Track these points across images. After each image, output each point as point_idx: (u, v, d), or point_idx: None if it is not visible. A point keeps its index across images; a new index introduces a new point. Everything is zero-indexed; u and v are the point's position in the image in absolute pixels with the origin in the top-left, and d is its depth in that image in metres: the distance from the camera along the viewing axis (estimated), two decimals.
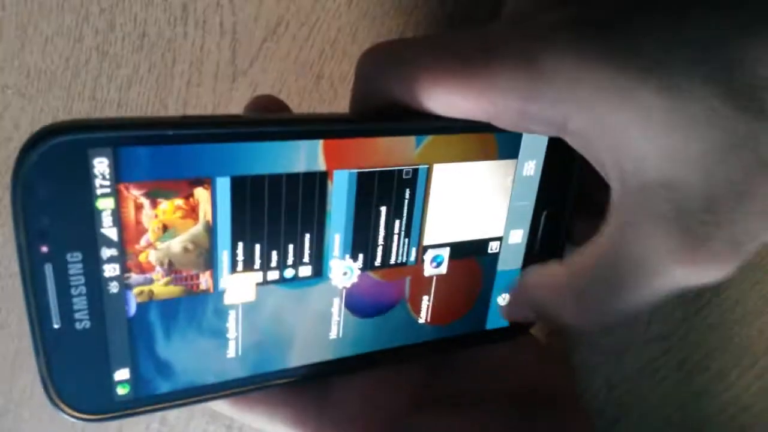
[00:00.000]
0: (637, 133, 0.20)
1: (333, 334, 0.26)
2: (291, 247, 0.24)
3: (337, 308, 0.26)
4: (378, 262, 0.26)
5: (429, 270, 0.27)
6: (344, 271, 0.25)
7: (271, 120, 0.23)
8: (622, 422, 0.40)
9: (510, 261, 0.28)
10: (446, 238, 0.27)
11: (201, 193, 0.22)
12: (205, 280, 0.23)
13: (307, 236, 0.24)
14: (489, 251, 0.28)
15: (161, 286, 0.22)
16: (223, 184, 0.22)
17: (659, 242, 0.20)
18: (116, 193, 0.20)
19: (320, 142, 0.23)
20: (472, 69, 0.21)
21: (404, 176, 0.25)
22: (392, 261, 0.26)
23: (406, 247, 0.26)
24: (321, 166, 0.23)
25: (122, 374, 0.23)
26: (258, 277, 0.24)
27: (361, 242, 0.25)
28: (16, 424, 0.41)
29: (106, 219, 0.21)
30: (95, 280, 0.21)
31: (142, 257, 0.22)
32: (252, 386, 0.26)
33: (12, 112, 0.33)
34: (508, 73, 0.21)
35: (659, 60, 0.19)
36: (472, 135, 0.25)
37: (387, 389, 0.29)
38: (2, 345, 0.39)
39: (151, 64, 0.32)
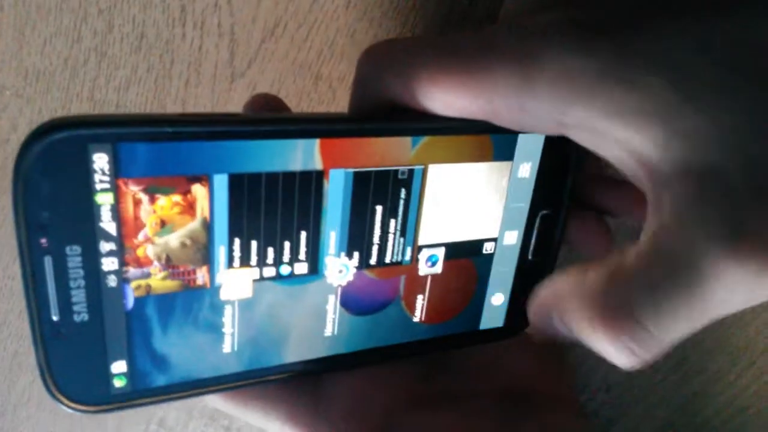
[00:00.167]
0: (649, 119, 0.19)
1: (328, 331, 0.27)
2: (287, 244, 0.24)
3: (332, 305, 0.26)
4: (373, 260, 0.26)
5: (424, 269, 0.27)
6: (340, 268, 0.25)
7: (267, 119, 0.23)
8: (620, 423, 0.40)
9: (505, 262, 0.29)
10: (441, 238, 0.27)
11: (198, 190, 0.22)
12: (202, 276, 0.23)
13: (303, 234, 0.24)
14: (484, 252, 0.28)
15: (159, 281, 0.23)
16: (221, 181, 0.22)
17: (705, 230, 0.18)
18: (115, 189, 0.21)
19: (317, 141, 0.23)
20: (469, 67, 0.21)
21: (400, 176, 0.25)
22: (387, 260, 0.26)
23: (401, 246, 0.26)
24: (317, 165, 0.23)
25: (119, 367, 0.23)
26: (254, 273, 0.24)
27: (356, 241, 0.25)
28: (14, 425, 0.41)
29: (105, 213, 0.21)
30: (94, 274, 0.21)
31: (140, 252, 0.22)
32: (247, 381, 0.26)
33: (10, 114, 0.33)
34: (506, 70, 0.21)
35: (659, 48, 0.19)
36: (468, 137, 0.25)
37: (381, 386, 0.29)
38: (0, 346, 0.39)
39: (149, 65, 0.33)
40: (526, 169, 0.27)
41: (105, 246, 0.21)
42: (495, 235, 0.28)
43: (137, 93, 0.33)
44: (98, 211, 0.21)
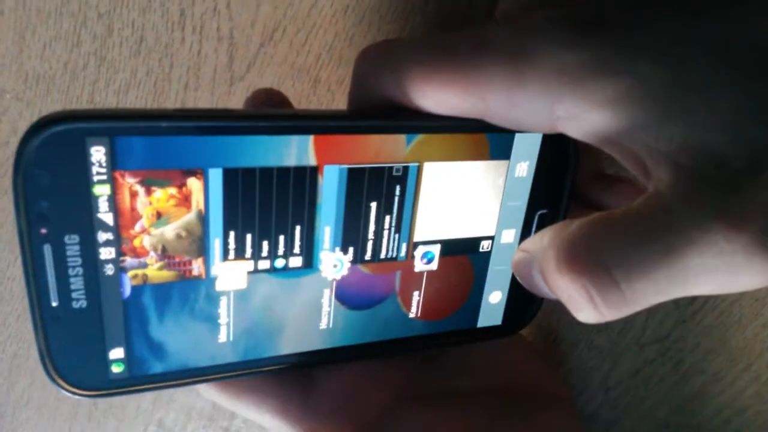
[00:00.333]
0: (641, 103, 0.19)
1: (323, 325, 0.27)
2: (282, 237, 0.24)
3: (327, 299, 0.26)
4: (368, 255, 0.26)
5: (419, 266, 0.27)
6: (334, 263, 0.26)
7: (261, 115, 0.24)
8: (619, 424, 0.40)
9: (502, 261, 0.29)
10: (437, 236, 0.27)
11: (194, 183, 0.22)
12: (197, 267, 0.24)
13: (298, 228, 0.25)
14: (481, 250, 0.28)
15: (155, 271, 0.23)
16: (215, 175, 0.22)
17: (698, 200, 0.18)
18: (112, 180, 0.21)
19: (311, 138, 0.23)
20: (461, 65, 0.22)
21: (394, 173, 0.25)
22: (382, 255, 0.26)
23: (396, 242, 0.26)
24: (311, 160, 0.24)
25: (117, 353, 0.24)
26: (249, 265, 0.24)
27: (351, 236, 0.26)
28: (14, 427, 0.41)
29: (103, 204, 0.21)
30: (92, 262, 0.22)
31: (136, 242, 0.22)
32: (241, 371, 0.26)
33: (10, 117, 0.34)
34: (497, 68, 0.21)
35: (658, 44, 0.19)
36: (464, 135, 0.25)
37: (374, 382, 0.29)
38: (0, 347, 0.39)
39: (148, 69, 0.33)
40: (524, 168, 0.27)
41: (102, 236, 0.22)
42: (492, 234, 0.28)
43: (136, 96, 0.33)
44: (96, 202, 0.21)
